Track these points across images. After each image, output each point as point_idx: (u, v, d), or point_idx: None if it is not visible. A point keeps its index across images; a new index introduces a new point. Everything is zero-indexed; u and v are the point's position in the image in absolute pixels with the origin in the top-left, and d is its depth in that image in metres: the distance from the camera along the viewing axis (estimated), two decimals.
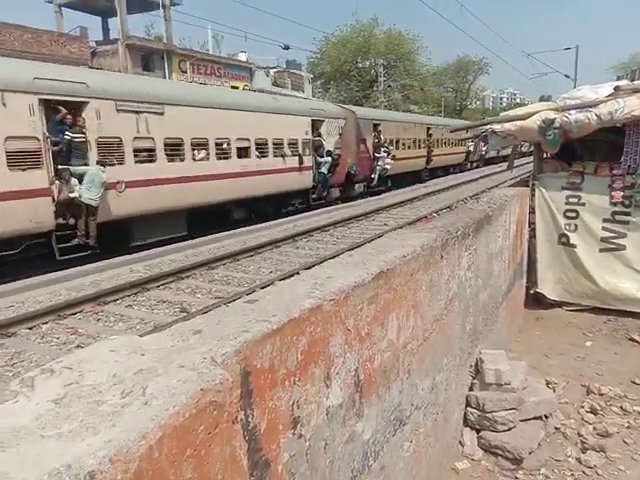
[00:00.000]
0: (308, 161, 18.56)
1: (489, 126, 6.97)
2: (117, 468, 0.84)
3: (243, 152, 15.89)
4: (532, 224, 7.46)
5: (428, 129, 30.36)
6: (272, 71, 37.52)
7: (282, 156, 17.25)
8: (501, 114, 8.34)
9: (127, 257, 10.48)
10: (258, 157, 16.35)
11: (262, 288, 7.84)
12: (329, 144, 19.81)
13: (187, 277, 9.24)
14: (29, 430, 0.92)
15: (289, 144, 17.64)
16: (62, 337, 6.47)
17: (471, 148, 34.50)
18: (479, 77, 66.66)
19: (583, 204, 7.28)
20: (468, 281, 3.57)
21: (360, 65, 49.57)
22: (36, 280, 8.90)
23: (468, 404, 4.07)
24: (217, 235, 12.92)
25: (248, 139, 15.93)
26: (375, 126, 23.84)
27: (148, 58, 26.96)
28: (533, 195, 7.41)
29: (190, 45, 39.93)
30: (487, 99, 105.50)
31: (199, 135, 14.07)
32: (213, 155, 14.64)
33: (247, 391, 1.30)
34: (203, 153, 14.35)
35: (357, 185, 22.27)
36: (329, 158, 19.00)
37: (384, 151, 23.57)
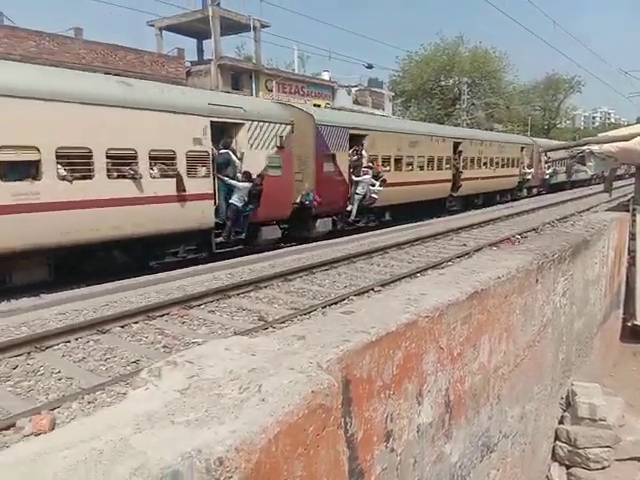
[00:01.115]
0: (202, 186, 11.79)
1: (587, 147, 6.60)
2: (241, 457, 0.90)
3: (23, 170, 8.99)
4: (632, 251, 6.92)
5: (456, 145, 22.71)
6: (353, 89, 38.11)
7: (131, 177, 10.30)
8: (599, 135, 7.87)
9: (212, 265, 11.01)
10: (65, 178, 9.37)
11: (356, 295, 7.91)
12: (251, 160, 12.99)
13: (265, 287, 9.50)
14: (160, 415, 1.01)
15: (155, 158, 10.86)
16: (150, 337, 6.88)
17: (528, 171, 29.31)
18: (570, 95, 63.47)
19: None
20: (563, 308, 3.39)
21: (443, 83, 48.89)
22: (128, 282, 9.56)
23: (557, 437, 3.83)
24: (295, 248, 13.22)
25: (36, 148, 8.96)
26: (355, 138, 16.74)
27: (238, 77, 28.42)
28: (634, 221, 6.89)
29: (277, 65, 41.55)
30: (578, 118, 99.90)
31: None
32: None
33: (347, 399, 1.33)
34: None
35: (320, 221, 15.44)
36: (246, 183, 12.51)
37: (365, 171, 16.75)
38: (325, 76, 36.35)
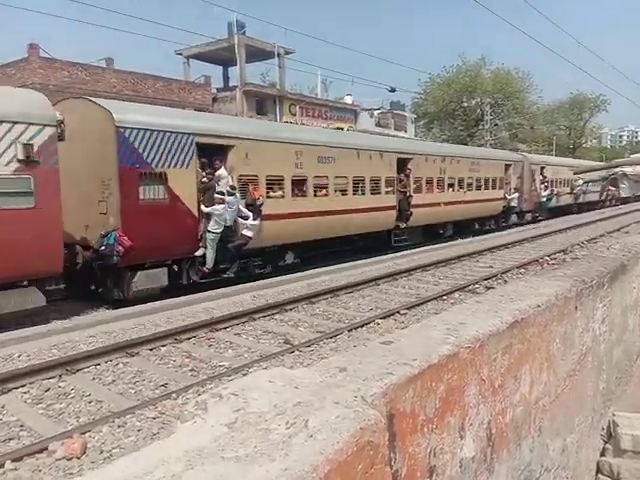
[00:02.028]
0: None
1: (619, 169, 6.46)
2: None
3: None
4: None
5: (402, 161, 17.30)
6: (376, 112, 38.49)
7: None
8: (632, 156, 7.72)
9: (236, 287, 11.06)
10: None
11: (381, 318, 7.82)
12: None
13: (290, 310, 9.49)
14: (210, 451, 1.01)
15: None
16: (178, 360, 6.91)
17: (510, 196, 23.84)
18: (596, 114, 62.73)
19: None
20: (602, 335, 3.28)
21: (465, 104, 48.98)
22: (157, 304, 9.68)
23: (599, 471, 3.66)
24: (318, 270, 13.20)
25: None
26: (209, 149, 11.35)
27: (262, 103, 29.05)
28: None
29: (300, 90, 42.33)
30: (605, 137, 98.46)
31: None
32: None
33: (392, 434, 1.31)
34: None
35: (142, 274, 10.21)
36: None
37: (220, 200, 11.14)
38: (348, 100, 36.87)
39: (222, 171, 11.55)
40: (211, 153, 11.54)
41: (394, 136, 30.08)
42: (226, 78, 33.26)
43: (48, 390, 5.48)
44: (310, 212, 13.73)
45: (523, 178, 25.39)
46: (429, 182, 18.87)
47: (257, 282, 11.51)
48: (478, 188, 21.77)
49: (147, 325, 8.51)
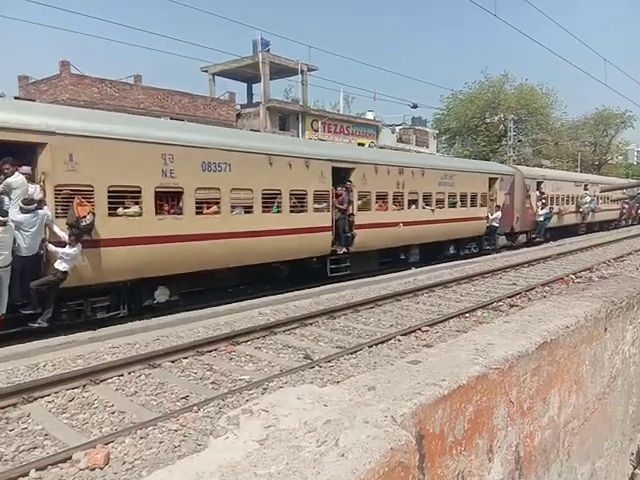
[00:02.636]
0: None
1: None
2: None
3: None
4: None
5: (340, 172, 14.06)
6: (397, 128, 38.61)
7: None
8: None
9: (256, 300, 11.11)
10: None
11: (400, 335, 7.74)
12: None
13: (310, 324, 9.49)
14: (243, 467, 1.02)
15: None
16: (199, 372, 6.97)
17: (493, 216, 20.16)
18: (622, 130, 61.79)
19: None
20: (632, 357, 3.21)
21: (488, 120, 48.79)
22: (179, 316, 9.79)
23: None
24: (338, 285, 13.17)
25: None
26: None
27: (285, 119, 29.48)
28: None
29: (323, 106, 42.80)
30: (631, 153, 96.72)
31: None
32: None
33: (421, 455, 1.30)
34: None
35: None
36: None
37: None
38: (369, 116, 37.14)
39: (16, 178, 8.20)
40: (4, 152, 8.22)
41: (417, 152, 29.94)
42: (250, 94, 33.91)
43: (72, 400, 5.58)
44: (190, 235, 10.29)
45: (513, 194, 22.01)
46: (381, 198, 15.35)
47: (275, 297, 11.56)
48: (453, 205, 18.39)
49: (170, 337, 8.61)
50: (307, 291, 12.27)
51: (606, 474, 2.95)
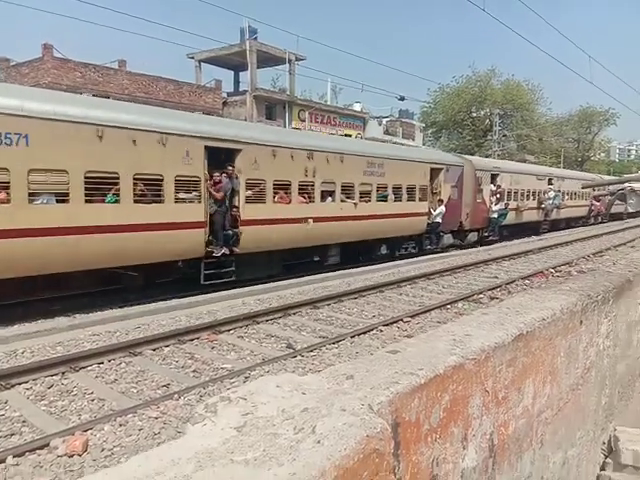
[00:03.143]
0: None
1: (628, 184, 6.47)
2: None
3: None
4: None
5: (220, 154, 11.11)
6: (384, 120, 38.61)
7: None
8: None
9: (240, 290, 11.08)
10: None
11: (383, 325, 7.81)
12: None
13: (294, 314, 9.50)
14: (220, 453, 1.03)
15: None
16: (181, 361, 6.94)
17: (436, 211, 17.98)
18: (605, 128, 62.72)
19: None
20: (606, 350, 3.29)
21: (474, 114, 49.13)
22: (160, 305, 9.73)
23: None
24: (323, 275, 13.20)
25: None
26: None
27: (272, 108, 29.27)
28: None
29: (310, 96, 42.57)
30: (613, 151, 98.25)
31: None
32: None
33: (396, 442, 1.32)
34: None
35: None
36: None
37: None
38: (357, 107, 37.07)
39: None
40: None
41: (402, 144, 29.77)
42: (237, 83, 33.59)
43: (51, 387, 5.51)
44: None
45: (462, 187, 19.56)
46: (282, 187, 12.46)
47: (259, 286, 11.54)
48: (383, 199, 15.67)
49: (151, 325, 8.55)
50: (291, 281, 12.28)
51: (578, 462, 3.03)
